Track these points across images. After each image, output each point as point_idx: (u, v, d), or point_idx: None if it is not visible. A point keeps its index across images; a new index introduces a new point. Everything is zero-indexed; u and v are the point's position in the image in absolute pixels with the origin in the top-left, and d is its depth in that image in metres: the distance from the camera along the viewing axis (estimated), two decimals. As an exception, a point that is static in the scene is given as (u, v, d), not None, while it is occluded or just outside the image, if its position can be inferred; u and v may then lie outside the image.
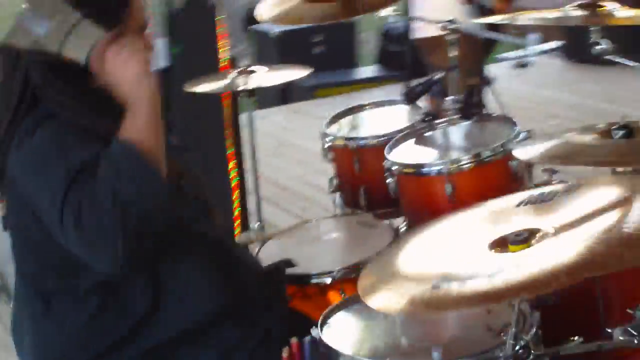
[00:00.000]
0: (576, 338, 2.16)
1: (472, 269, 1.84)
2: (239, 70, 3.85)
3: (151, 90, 2.25)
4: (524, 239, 1.91)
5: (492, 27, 4.86)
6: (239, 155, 5.10)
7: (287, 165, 6.57)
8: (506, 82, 8.32)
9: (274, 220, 4.95)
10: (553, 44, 9.12)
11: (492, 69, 8.68)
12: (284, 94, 8.55)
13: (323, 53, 8.82)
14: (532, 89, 8.12)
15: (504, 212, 2.09)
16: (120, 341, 2.38)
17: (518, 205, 2.07)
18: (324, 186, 6.02)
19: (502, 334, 2.12)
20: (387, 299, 1.88)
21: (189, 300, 2.41)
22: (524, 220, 1.99)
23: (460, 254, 1.96)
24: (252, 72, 3.82)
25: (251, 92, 3.80)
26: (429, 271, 1.92)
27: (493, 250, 1.91)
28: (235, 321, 2.46)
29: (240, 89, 3.70)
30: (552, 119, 6.91)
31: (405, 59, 8.70)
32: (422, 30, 5.25)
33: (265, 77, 3.84)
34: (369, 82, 8.76)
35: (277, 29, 8.87)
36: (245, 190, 5.05)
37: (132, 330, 2.37)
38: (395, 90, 7.78)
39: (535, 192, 2.11)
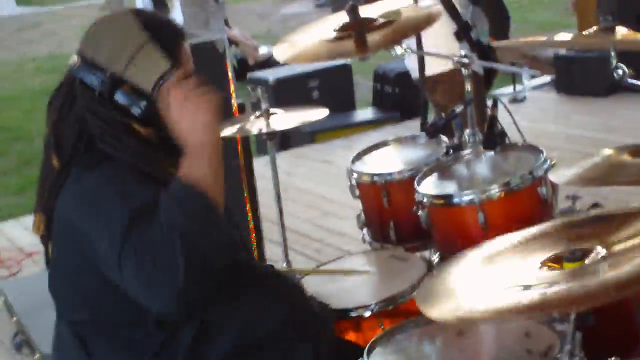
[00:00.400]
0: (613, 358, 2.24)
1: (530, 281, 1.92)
2: (258, 114, 3.91)
3: (217, 138, 2.30)
4: (579, 257, 1.98)
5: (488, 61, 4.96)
6: (253, 199, 5.15)
7: (296, 209, 6.61)
8: (504, 117, 8.42)
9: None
10: (545, 78, 9.25)
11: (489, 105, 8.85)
12: (283, 141, 8.61)
13: (320, 98, 8.90)
14: (529, 124, 8.14)
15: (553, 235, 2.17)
16: None
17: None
18: (334, 228, 6.13)
19: (545, 355, 2.18)
20: (448, 309, 1.97)
21: (234, 329, 2.44)
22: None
23: (516, 271, 2.03)
24: (272, 114, 3.88)
25: (272, 135, 3.85)
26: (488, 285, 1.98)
27: (547, 268, 1.98)
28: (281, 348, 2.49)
29: (265, 131, 3.75)
30: (553, 152, 6.98)
31: (399, 100, 8.87)
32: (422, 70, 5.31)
33: (284, 119, 3.91)
34: (366, 124, 8.84)
35: (273, 76, 8.97)
36: (262, 234, 5.10)
37: None
38: (391, 131, 7.90)
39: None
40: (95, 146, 2.36)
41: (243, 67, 12.48)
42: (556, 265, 2.02)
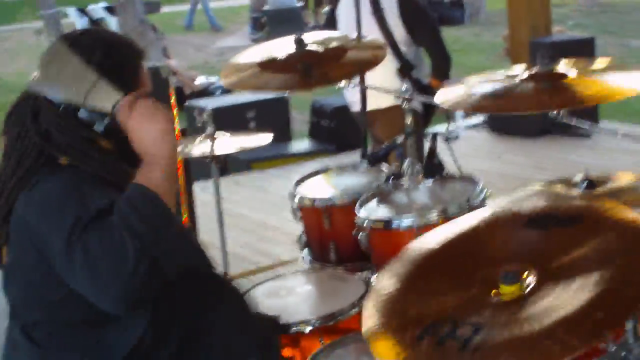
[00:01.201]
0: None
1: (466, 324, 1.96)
2: (203, 136, 4.03)
3: (173, 147, 2.39)
4: (514, 279, 2.04)
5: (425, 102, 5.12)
6: (192, 222, 5.26)
7: (232, 233, 6.72)
8: (440, 154, 8.63)
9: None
10: (478, 118, 9.48)
11: (425, 143, 9.04)
12: (222, 167, 8.72)
13: (257, 127, 9.03)
14: (462, 161, 8.36)
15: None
16: None
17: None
18: (270, 252, 6.25)
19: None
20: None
21: (180, 332, 2.54)
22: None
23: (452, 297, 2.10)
24: (215, 139, 4.00)
25: (217, 158, 3.97)
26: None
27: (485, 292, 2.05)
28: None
29: (215, 154, 3.87)
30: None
31: (335, 133, 9.03)
32: (358, 104, 5.44)
33: (228, 142, 4.02)
34: (302, 155, 8.99)
35: (211, 105, 9.09)
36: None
37: None
38: (327, 162, 8.04)
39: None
40: (55, 158, 2.46)
41: (179, 96, 12.59)
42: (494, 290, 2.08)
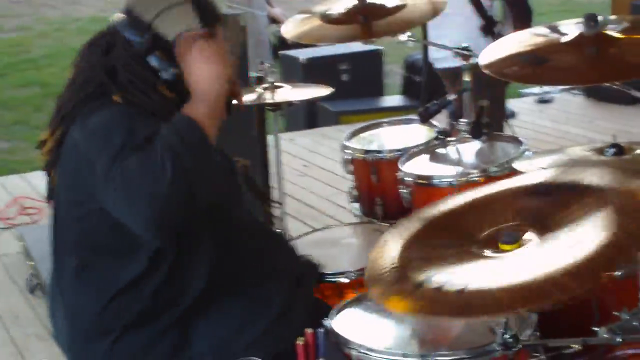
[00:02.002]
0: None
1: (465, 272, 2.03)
2: (265, 86, 4.09)
3: (222, 89, 2.54)
4: (514, 239, 2.09)
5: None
6: (265, 171, 5.33)
7: (312, 185, 6.82)
8: (529, 116, 8.58)
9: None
10: (574, 81, 9.33)
11: (516, 103, 8.97)
12: (310, 119, 8.78)
13: (349, 81, 9.02)
14: (552, 124, 8.33)
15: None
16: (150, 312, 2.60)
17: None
18: (347, 205, 6.28)
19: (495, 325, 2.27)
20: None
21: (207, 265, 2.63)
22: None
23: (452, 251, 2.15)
24: (278, 87, 4.06)
25: (277, 106, 4.03)
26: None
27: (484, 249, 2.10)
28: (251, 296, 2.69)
29: (266, 101, 3.92)
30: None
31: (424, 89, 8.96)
32: (444, 62, 5.43)
33: (290, 93, 4.08)
34: (392, 111, 8.94)
35: (305, 55, 9.11)
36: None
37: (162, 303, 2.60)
38: (415, 119, 8.02)
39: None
40: (110, 95, 2.56)
41: (282, 45, 12.66)
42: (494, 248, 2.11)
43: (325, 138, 8.23)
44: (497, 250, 2.08)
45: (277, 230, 3.14)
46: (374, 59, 9.37)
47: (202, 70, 2.52)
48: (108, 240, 2.59)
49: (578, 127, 8.16)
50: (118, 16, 2.65)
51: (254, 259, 2.74)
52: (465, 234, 2.20)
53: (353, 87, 8.97)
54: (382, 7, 3.70)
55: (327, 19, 3.72)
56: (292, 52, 9.52)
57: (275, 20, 12.26)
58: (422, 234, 2.27)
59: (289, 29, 3.76)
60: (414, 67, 9.24)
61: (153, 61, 2.57)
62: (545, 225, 2.10)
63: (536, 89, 9.39)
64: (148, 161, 2.36)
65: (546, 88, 9.22)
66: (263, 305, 2.69)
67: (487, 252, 2.09)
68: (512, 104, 8.90)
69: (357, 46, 9.60)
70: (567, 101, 9.08)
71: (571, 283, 1.87)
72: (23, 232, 5.42)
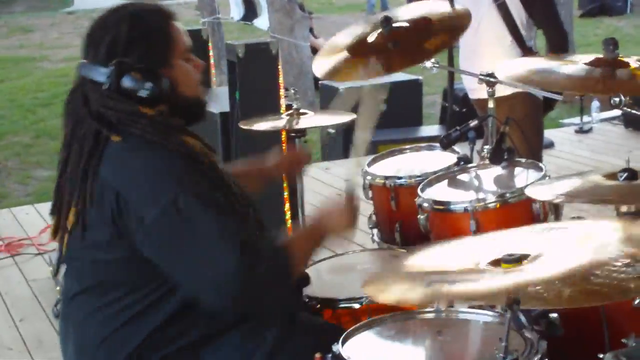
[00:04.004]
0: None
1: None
2: (290, 112, 4.10)
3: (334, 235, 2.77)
4: (516, 259, 2.12)
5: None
6: (293, 199, 5.32)
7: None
8: (567, 146, 8.52)
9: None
10: (615, 112, 9.26)
11: (555, 133, 8.91)
12: (347, 148, 8.76)
13: (388, 110, 8.98)
14: (591, 154, 8.27)
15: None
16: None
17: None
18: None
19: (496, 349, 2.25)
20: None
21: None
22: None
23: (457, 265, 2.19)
24: (302, 114, 4.07)
25: (300, 132, 4.03)
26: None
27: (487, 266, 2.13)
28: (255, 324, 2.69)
29: (291, 127, 3.94)
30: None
31: (466, 119, 8.91)
32: (478, 92, 5.40)
33: (313, 119, 4.09)
34: (429, 140, 8.91)
35: (344, 85, 9.11)
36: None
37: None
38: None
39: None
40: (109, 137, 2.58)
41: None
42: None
43: (361, 167, 8.22)
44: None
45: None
46: (413, 88, 9.35)
47: (333, 228, 2.82)
48: (121, 276, 2.61)
49: (617, 157, 8.06)
50: (80, 63, 2.66)
51: None
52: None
53: (391, 116, 8.94)
54: (408, 30, 3.67)
55: (356, 50, 3.71)
56: (332, 82, 9.53)
57: (317, 51, 12.30)
58: None
59: (320, 67, 3.76)
60: (452, 96, 9.22)
61: (127, 83, 2.56)
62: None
63: (576, 119, 9.33)
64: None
65: (586, 118, 9.17)
66: (256, 341, 2.70)
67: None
68: (551, 133, 8.84)
69: (396, 76, 9.59)
70: (606, 131, 9.01)
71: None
72: (53, 257, 5.46)
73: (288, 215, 5.21)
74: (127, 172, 2.53)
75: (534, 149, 4.59)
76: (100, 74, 2.58)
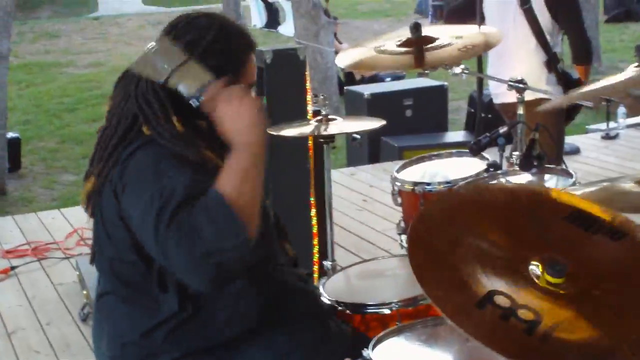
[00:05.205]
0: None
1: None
2: (318, 118, 4.09)
3: (258, 139, 2.47)
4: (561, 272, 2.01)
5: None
6: (320, 203, 5.31)
7: (370, 219, 6.81)
8: (594, 152, 8.50)
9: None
10: (640, 118, 9.24)
11: (581, 139, 8.89)
12: (373, 154, 8.78)
13: (413, 116, 9.02)
14: (618, 160, 8.24)
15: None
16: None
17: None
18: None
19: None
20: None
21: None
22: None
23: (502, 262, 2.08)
24: (331, 120, 4.05)
25: (329, 138, 4.01)
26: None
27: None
28: (283, 329, 2.70)
29: (319, 133, 3.92)
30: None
31: (492, 125, 8.90)
32: (503, 97, 5.40)
33: (341, 125, 4.07)
34: (455, 146, 8.90)
35: (369, 91, 9.13)
36: (327, 238, 5.26)
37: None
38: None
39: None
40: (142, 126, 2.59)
41: (349, 81, 12.73)
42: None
43: (386, 173, 8.17)
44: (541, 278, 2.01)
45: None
46: (439, 94, 9.36)
47: (234, 122, 2.47)
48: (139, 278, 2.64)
49: (644, 164, 8.08)
50: (152, 45, 2.65)
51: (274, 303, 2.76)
52: (514, 237, 2.14)
53: (417, 122, 8.98)
54: (434, 39, 3.69)
55: (381, 51, 3.73)
56: (357, 88, 9.57)
57: (342, 57, 12.32)
58: (472, 223, 2.19)
59: (343, 58, 3.78)
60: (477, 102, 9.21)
61: (183, 87, 2.52)
62: (590, 271, 2.06)
63: (602, 125, 9.31)
64: (183, 243, 2.34)
65: (612, 124, 9.14)
66: (286, 348, 2.71)
67: (536, 275, 2.01)
68: (577, 140, 8.82)
69: (421, 81, 9.61)
70: (633, 137, 8.99)
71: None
72: (79, 261, 5.49)
73: (314, 221, 5.19)
74: (133, 164, 2.54)
75: (551, 156, 4.59)
76: (146, 71, 2.59)
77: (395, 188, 3.74)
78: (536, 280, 2.01)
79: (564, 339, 1.87)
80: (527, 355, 1.85)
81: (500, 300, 1.94)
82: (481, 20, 5.58)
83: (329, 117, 4.08)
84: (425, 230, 2.15)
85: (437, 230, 2.17)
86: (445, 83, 9.37)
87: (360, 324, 3.06)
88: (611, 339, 1.89)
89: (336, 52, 12.33)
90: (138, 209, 2.46)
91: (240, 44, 2.70)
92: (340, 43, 14.07)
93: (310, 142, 5.08)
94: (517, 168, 3.52)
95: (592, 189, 2.72)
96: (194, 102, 2.52)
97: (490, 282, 1.99)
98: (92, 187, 2.68)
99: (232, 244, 2.33)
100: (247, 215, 2.37)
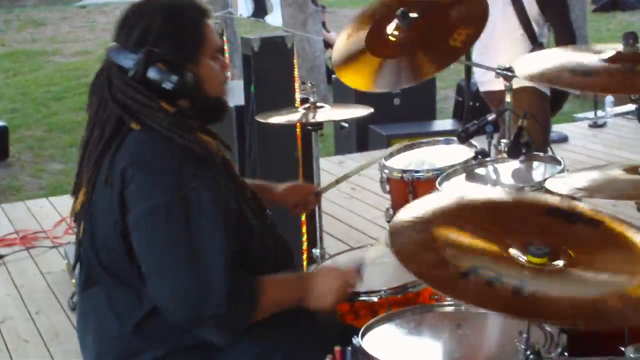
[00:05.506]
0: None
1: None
2: (306, 106, 4.09)
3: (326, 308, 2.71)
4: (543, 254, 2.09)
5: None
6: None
7: (359, 207, 6.81)
8: (581, 140, 8.52)
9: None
10: (629, 106, 9.25)
11: (569, 128, 8.91)
12: (361, 142, 8.78)
13: (401, 105, 9.00)
14: (605, 149, 8.27)
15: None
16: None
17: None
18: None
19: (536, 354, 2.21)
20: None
21: None
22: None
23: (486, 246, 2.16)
24: (319, 107, 4.05)
25: (318, 125, 4.01)
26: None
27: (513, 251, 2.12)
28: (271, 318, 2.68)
29: (307, 121, 3.92)
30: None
31: (480, 114, 8.90)
32: (488, 85, 5.41)
33: (329, 112, 4.07)
34: (442, 134, 8.89)
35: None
36: (316, 226, 5.26)
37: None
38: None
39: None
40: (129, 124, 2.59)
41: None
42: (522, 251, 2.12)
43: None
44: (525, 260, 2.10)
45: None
46: (427, 83, 9.30)
47: (322, 291, 2.74)
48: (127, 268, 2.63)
49: (631, 152, 8.07)
50: (110, 45, 2.67)
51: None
52: (494, 231, 2.21)
53: (405, 110, 8.97)
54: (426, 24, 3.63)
55: (372, 44, 3.67)
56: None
57: (330, 45, 12.34)
58: (457, 215, 2.30)
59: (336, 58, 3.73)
60: (464, 90, 9.22)
61: (153, 74, 2.56)
62: (570, 250, 2.15)
63: (590, 114, 9.33)
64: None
65: (600, 113, 9.16)
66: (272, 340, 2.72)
67: (520, 260, 2.10)
68: (565, 128, 8.85)
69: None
70: (621, 126, 9.01)
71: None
72: (68, 250, 5.48)
73: (303, 217, 5.18)
74: (136, 160, 2.53)
75: (538, 144, 4.59)
76: (128, 60, 2.59)
77: (384, 176, 3.74)
78: (519, 261, 2.10)
79: (552, 296, 1.98)
80: (519, 311, 1.96)
81: (484, 271, 2.04)
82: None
83: (317, 104, 4.08)
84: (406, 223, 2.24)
85: (420, 223, 2.25)
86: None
87: (349, 312, 3.06)
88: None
89: (324, 41, 12.33)
90: (146, 205, 2.49)
91: (191, 17, 2.67)
92: (329, 32, 14.07)
93: (298, 131, 5.08)
94: (505, 155, 3.51)
95: (581, 175, 2.73)
96: (167, 85, 2.55)
97: (473, 261, 2.09)
98: (85, 197, 2.68)
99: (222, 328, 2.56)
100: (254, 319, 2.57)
